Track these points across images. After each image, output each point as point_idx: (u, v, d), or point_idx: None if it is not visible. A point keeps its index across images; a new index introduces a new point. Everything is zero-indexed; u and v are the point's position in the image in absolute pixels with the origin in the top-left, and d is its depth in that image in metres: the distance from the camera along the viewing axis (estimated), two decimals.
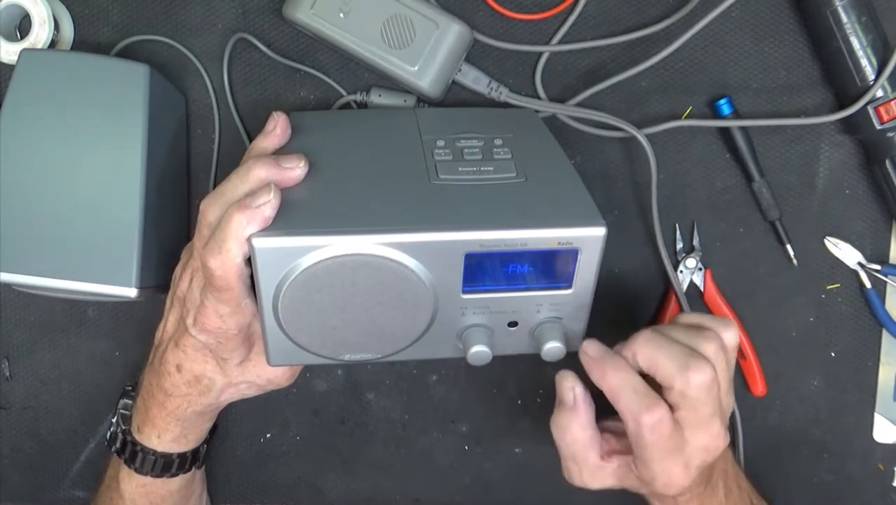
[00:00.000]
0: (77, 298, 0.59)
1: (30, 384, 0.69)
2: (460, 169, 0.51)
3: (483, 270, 0.48)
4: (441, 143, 0.53)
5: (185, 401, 0.56)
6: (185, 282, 0.53)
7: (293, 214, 0.47)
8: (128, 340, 0.68)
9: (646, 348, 0.50)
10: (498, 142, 0.54)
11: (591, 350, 0.51)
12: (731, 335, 0.51)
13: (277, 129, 0.52)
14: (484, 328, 0.51)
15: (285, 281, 0.46)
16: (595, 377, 0.50)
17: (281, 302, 0.47)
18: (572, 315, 0.51)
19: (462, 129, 0.55)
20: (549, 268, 0.49)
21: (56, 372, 0.68)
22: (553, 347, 0.51)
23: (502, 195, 0.49)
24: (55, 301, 0.67)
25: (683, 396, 0.48)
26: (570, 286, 0.50)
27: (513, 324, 0.51)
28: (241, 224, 0.45)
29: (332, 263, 0.46)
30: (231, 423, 0.69)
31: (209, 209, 0.49)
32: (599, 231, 0.47)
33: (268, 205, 0.45)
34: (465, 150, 0.53)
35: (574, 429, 0.52)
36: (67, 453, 0.70)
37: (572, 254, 0.48)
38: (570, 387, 0.52)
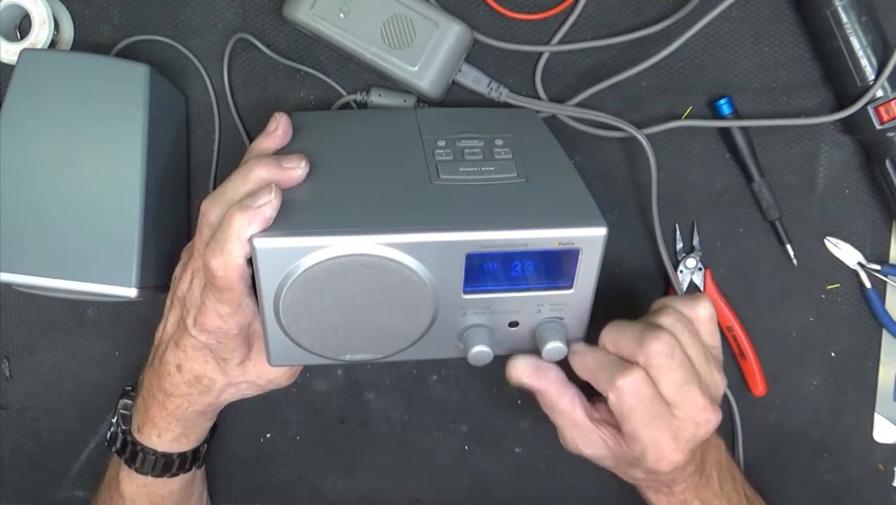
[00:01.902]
0: (77, 297, 0.59)
1: (30, 384, 0.69)
2: (461, 169, 0.51)
3: (484, 271, 0.48)
4: (442, 143, 0.53)
5: (185, 401, 0.56)
6: (186, 282, 0.53)
7: (294, 215, 0.47)
8: (128, 340, 0.68)
9: (608, 334, 0.51)
10: (499, 142, 0.54)
11: (577, 347, 0.52)
12: (702, 309, 0.52)
13: (279, 129, 0.52)
14: (485, 328, 0.51)
15: (286, 281, 0.46)
16: (578, 368, 0.52)
17: (282, 302, 0.47)
18: (573, 315, 0.51)
19: (462, 129, 0.55)
20: (551, 268, 0.49)
21: (56, 372, 0.68)
22: (554, 347, 0.51)
23: (503, 195, 0.49)
24: (55, 301, 0.67)
25: (649, 366, 0.49)
26: (571, 286, 0.50)
27: (514, 324, 0.51)
28: (242, 225, 0.45)
29: (333, 263, 0.46)
30: (231, 423, 0.69)
31: (210, 210, 0.49)
32: (600, 231, 0.47)
33: (269, 205, 0.45)
34: (466, 151, 0.53)
35: (552, 400, 0.53)
36: (67, 453, 0.70)
37: (573, 254, 0.48)
38: (517, 386, 0.53)
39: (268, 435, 0.70)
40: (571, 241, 0.47)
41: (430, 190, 0.50)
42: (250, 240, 0.45)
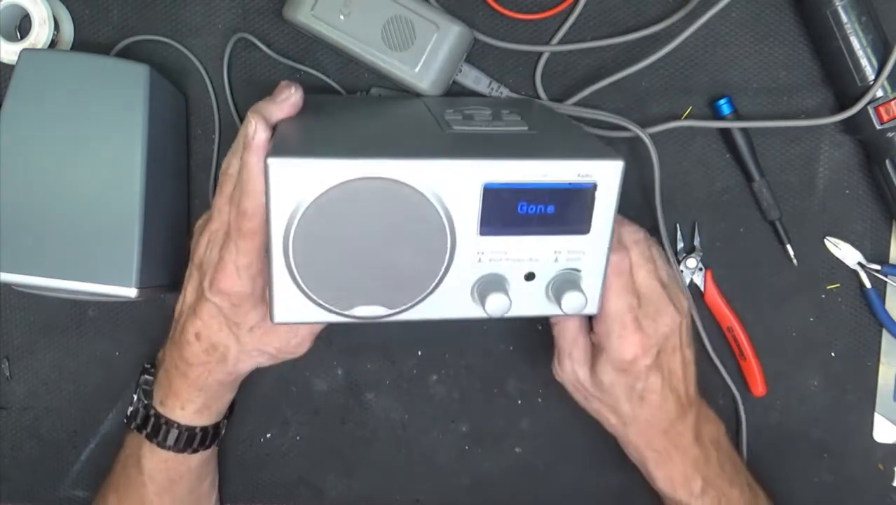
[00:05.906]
0: (77, 297, 0.59)
1: (30, 384, 0.69)
2: (472, 124, 0.52)
3: (501, 210, 0.47)
4: (450, 110, 0.54)
5: (205, 370, 0.56)
6: (203, 246, 0.53)
7: (309, 144, 0.47)
8: (128, 340, 0.68)
9: None
10: (506, 111, 0.55)
11: None
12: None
13: (291, 100, 0.51)
14: (501, 278, 0.50)
15: (299, 209, 0.45)
16: None
17: (293, 234, 0.45)
18: (590, 266, 0.50)
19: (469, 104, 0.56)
20: (567, 209, 0.48)
21: (56, 372, 0.68)
22: (573, 296, 0.49)
23: (517, 140, 0.50)
24: (55, 301, 0.67)
25: (631, 251, 0.55)
26: (587, 230, 0.49)
27: (530, 276, 0.50)
28: (258, 153, 0.47)
29: (348, 187, 0.44)
30: (231, 423, 0.69)
31: (228, 164, 0.50)
32: (617, 164, 0.47)
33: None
34: (475, 114, 0.53)
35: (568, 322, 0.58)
36: (67, 453, 0.70)
37: (590, 192, 0.47)
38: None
39: (268, 435, 0.70)
40: (589, 172, 0.47)
41: (444, 136, 0.50)
42: (265, 161, 0.44)
